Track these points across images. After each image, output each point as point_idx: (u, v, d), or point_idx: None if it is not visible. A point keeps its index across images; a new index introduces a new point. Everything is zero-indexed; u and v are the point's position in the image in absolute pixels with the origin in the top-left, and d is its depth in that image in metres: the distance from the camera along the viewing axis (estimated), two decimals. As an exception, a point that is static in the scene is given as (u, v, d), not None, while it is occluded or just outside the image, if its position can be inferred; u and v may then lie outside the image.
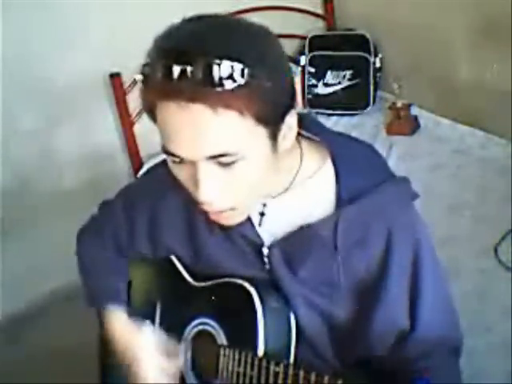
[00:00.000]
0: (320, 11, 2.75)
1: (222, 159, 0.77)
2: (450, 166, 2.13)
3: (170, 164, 0.83)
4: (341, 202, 0.89)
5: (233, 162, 0.77)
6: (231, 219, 0.87)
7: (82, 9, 2.07)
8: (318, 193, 0.91)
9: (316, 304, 0.92)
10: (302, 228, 0.90)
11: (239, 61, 0.72)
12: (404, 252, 0.90)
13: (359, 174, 0.91)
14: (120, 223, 1.09)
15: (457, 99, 2.36)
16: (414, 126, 2.40)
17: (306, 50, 2.65)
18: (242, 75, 0.72)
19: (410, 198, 0.94)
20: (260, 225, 0.93)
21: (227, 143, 0.76)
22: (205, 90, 0.72)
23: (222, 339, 0.94)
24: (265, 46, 0.79)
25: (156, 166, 1.07)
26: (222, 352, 0.92)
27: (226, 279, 0.95)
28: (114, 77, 2.19)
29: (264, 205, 0.93)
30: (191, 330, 1.00)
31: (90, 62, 2.15)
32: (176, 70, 0.72)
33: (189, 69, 0.71)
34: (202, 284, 1.00)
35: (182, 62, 0.72)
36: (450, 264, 1.63)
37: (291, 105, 0.82)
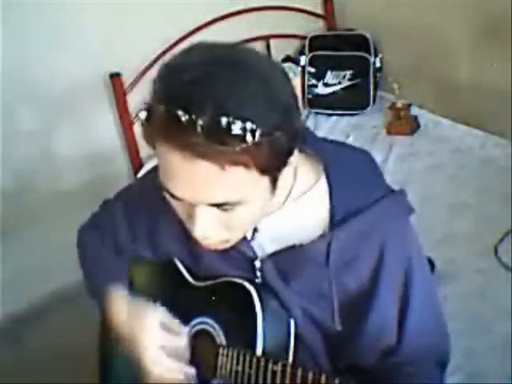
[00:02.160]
0: (320, 11, 2.75)
1: (222, 206, 0.77)
2: (450, 166, 2.13)
3: (167, 195, 0.81)
4: (334, 220, 0.88)
5: (232, 208, 0.78)
6: (221, 246, 0.88)
7: (83, 9, 2.07)
8: (311, 209, 0.91)
9: (310, 312, 0.93)
10: (294, 246, 0.90)
11: (251, 120, 0.70)
12: (395, 267, 0.90)
13: (353, 188, 0.90)
14: (120, 229, 1.09)
15: (457, 99, 2.36)
16: (414, 125, 2.40)
17: (306, 50, 2.64)
18: (254, 135, 0.71)
19: (405, 213, 0.93)
20: (253, 239, 0.93)
21: (229, 195, 0.76)
22: (213, 147, 0.70)
23: (220, 338, 0.94)
24: (277, 90, 0.76)
25: (155, 168, 1.06)
26: (220, 351, 0.92)
27: (226, 278, 0.96)
28: (114, 77, 2.19)
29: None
30: (191, 329, 1.00)
31: (89, 62, 2.15)
32: (184, 117, 0.69)
33: (198, 121, 0.69)
34: (202, 283, 1.00)
35: (191, 110, 0.69)
36: (450, 264, 1.63)
37: (296, 145, 0.80)
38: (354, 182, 0.91)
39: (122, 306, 1.04)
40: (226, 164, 0.72)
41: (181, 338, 0.98)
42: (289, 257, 0.90)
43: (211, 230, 0.81)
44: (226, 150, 0.70)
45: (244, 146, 0.70)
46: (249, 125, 0.70)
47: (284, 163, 0.79)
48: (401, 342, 0.91)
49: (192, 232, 0.82)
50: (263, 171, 0.76)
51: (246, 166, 0.73)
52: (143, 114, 0.75)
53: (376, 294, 0.89)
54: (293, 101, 0.80)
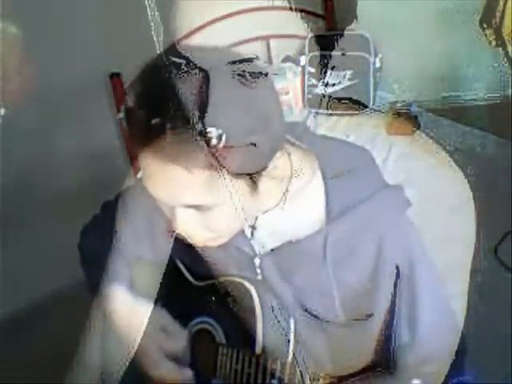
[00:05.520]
0: (320, 11, 2.75)
1: (198, 207, 0.79)
2: (450, 165, 2.13)
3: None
4: (330, 215, 0.89)
5: (209, 208, 0.79)
6: (213, 243, 0.88)
7: (82, 8, 2.07)
8: (308, 204, 0.91)
9: (310, 310, 0.93)
10: (291, 242, 0.90)
11: (218, 124, 0.71)
12: (395, 260, 0.90)
13: (348, 184, 0.91)
14: (121, 229, 1.09)
15: (457, 99, 2.36)
16: (414, 125, 2.40)
17: (306, 50, 2.64)
18: (220, 139, 0.71)
19: (402, 206, 0.93)
20: (252, 237, 0.94)
21: (202, 197, 0.77)
22: (181, 151, 0.71)
23: (220, 337, 0.95)
24: (254, 94, 0.76)
25: None
26: (220, 350, 0.93)
27: (226, 277, 0.96)
28: (114, 77, 2.19)
29: (256, 218, 0.93)
30: (191, 328, 1.01)
31: (89, 62, 2.15)
32: (154, 120, 0.71)
33: (167, 125, 0.71)
34: (202, 283, 1.01)
35: (161, 114, 0.71)
36: (450, 264, 1.63)
37: (278, 147, 0.81)
38: (349, 176, 0.92)
39: (122, 305, 1.04)
40: (193, 167, 0.73)
41: (180, 341, 0.99)
42: (287, 253, 0.91)
43: (192, 230, 0.83)
44: (193, 154, 0.71)
45: (211, 149, 0.71)
46: (216, 129, 0.71)
47: (262, 167, 0.79)
48: (414, 340, 0.90)
49: (175, 230, 0.83)
50: (236, 174, 0.76)
51: (216, 169, 0.74)
52: (121, 116, 0.77)
53: (377, 287, 0.89)
54: (273, 105, 0.80)
